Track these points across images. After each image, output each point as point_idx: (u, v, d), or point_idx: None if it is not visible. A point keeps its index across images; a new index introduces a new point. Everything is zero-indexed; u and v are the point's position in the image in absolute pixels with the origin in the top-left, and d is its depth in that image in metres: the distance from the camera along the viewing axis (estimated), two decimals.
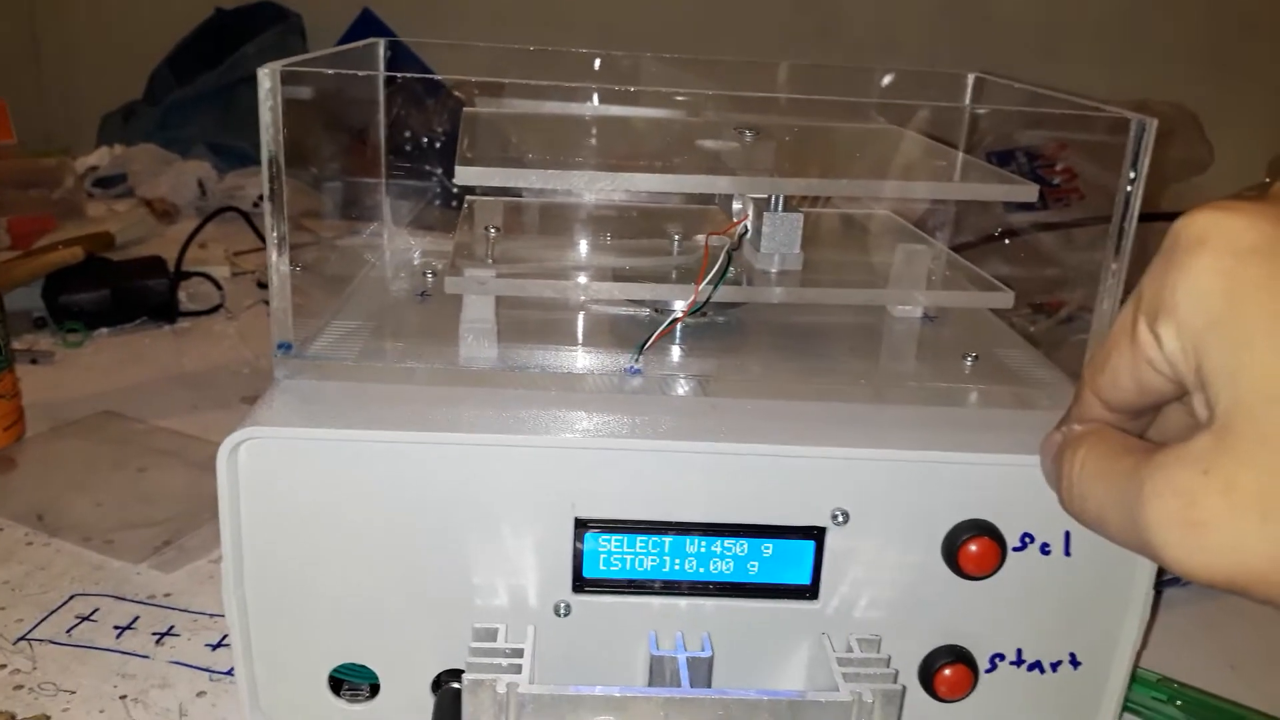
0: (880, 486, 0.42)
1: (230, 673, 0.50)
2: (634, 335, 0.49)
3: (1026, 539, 0.43)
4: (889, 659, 0.42)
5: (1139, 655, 0.45)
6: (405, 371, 0.45)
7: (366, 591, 0.42)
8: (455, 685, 0.42)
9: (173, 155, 1.36)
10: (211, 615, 0.54)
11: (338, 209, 0.62)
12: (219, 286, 0.97)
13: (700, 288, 0.45)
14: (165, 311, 0.91)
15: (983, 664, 0.44)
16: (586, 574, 0.43)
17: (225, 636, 0.52)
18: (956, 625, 0.44)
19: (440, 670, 0.43)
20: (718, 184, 0.53)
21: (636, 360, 0.46)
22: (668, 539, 0.42)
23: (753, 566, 0.43)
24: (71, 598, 0.55)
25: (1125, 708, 0.46)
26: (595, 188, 0.57)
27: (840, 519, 0.42)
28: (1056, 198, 0.93)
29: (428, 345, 0.47)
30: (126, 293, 0.90)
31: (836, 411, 0.45)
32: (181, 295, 0.95)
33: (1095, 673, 0.45)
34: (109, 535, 0.60)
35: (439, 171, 0.63)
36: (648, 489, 0.41)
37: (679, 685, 0.41)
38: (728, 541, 0.42)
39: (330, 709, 0.44)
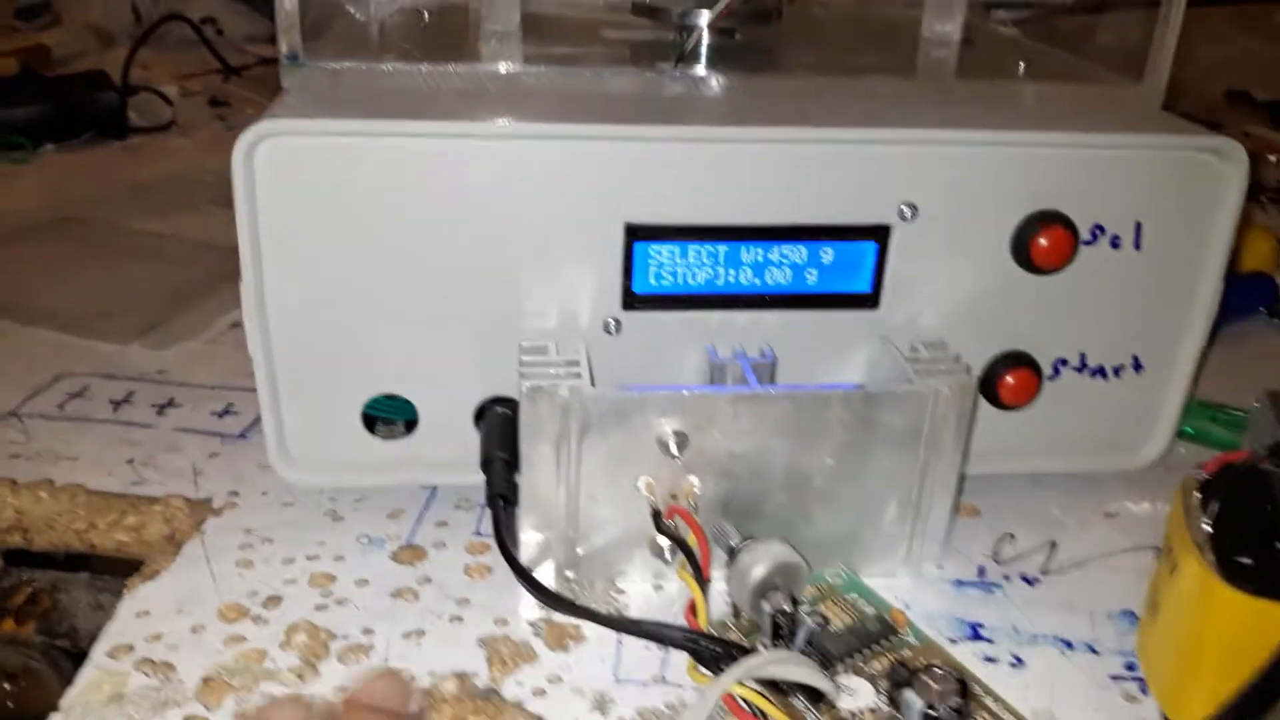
0: (952, 174, 0.39)
1: (243, 436, 0.47)
2: (665, 55, 0.45)
3: (1097, 231, 0.41)
4: (958, 355, 0.40)
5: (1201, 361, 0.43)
6: (425, 75, 0.41)
7: (399, 312, 0.39)
8: (503, 409, 0.40)
9: None
10: (213, 387, 0.51)
11: None
12: (169, 103, 0.91)
13: None
14: (114, 127, 0.85)
15: (1045, 370, 0.43)
16: (636, 289, 0.40)
17: (231, 405, 0.49)
18: (1020, 329, 0.42)
19: (483, 399, 0.41)
20: None
21: (677, 62, 0.43)
22: (722, 247, 0.39)
23: (811, 275, 0.40)
24: (57, 378, 0.51)
25: None
26: None
27: (908, 214, 0.39)
28: None
29: (445, 53, 0.43)
30: (71, 107, 0.84)
31: (897, 98, 0.42)
32: (129, 113, 0.89)
33: (1158, 375, 0.43)
34: (89, 323, 0.56)
35: None
36: (702, 188, 0.38)
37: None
38: (786, 248, 0.40)
39: (365, 449, 0.41)
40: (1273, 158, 0.93)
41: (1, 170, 0.80)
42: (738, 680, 0.30)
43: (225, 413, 0.48)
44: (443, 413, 0.41)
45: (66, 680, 0.33)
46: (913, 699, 0.28)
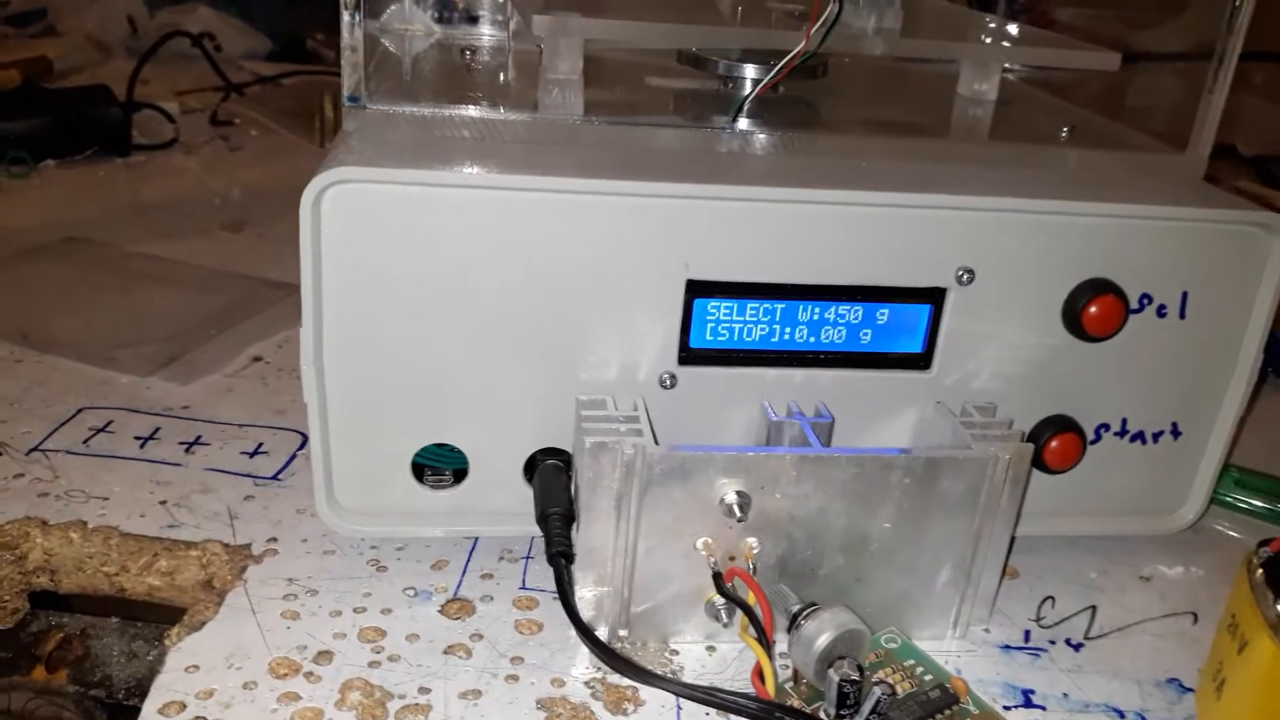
0: (1007, 241, 0.39)
1: (276, 478, 0.46)
2: (715, 107, 0.46)
3: (1145, 300, 0.41)
4: (1011, 421, 0.40)
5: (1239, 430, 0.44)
6: (485, 124, 0.40)
7: (457, 361, 0.38)
8: (554, 462, 0.40)
9: None
10: (240, 425, 0.50)
11: None
12: (171, 120, 0.90)
13: (811, 32, 0.42)
14: (117, 144, 0.84)
15: (1088, 435, 0.43)
16: (693, 344, 0.40)
17: (261, 445, 0.48)
18: (1066, 394, 0.42)
19: (535, 450, 0.40)
20: None
21: (734, 118, 0.43)
22: (779, 305, 0.40)
23: (865, 335, 0.41)
24: (80, 410, 0.50)
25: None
26: None
27: (964, 278, 0.40)
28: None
29: (505, 100, 0.42)
30: (73, 122, 0.82)
31: (952, 164, 0.42)
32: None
33: (1196, 441, 0.44)
34: (107, 353, 0.55)
35: None
36: (761, 247, 0.38)
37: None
38: (842, 308, 0.40)
39: (413, 497, 0.41)
40: None
41: (2, 185, 0.78)
42: None
43: (256, 453, 0.48)
44: (493, 463, 0.40)
45: None
46: None
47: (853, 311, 0.40)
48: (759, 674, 0.34)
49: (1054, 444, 0.42)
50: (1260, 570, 0.32)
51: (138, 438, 0.48)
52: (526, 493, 0.40)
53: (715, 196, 0.37)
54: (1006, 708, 0.37)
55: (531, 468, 0.40)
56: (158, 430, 0.49)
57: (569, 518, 0.38)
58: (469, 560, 0.42)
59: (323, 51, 1.18)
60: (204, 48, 1.03)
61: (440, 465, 0.40)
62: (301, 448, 0.48)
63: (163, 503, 0.44)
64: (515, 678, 0.36)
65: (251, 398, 0.52)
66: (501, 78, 0.45)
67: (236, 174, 0.82)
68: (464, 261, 0.37)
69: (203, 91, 1.01)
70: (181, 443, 0.48)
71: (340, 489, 0.40)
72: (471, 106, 0.41)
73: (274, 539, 0.42)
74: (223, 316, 0.59)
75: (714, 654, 0.38)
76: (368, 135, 0.40)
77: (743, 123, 0.44)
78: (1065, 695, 0.38)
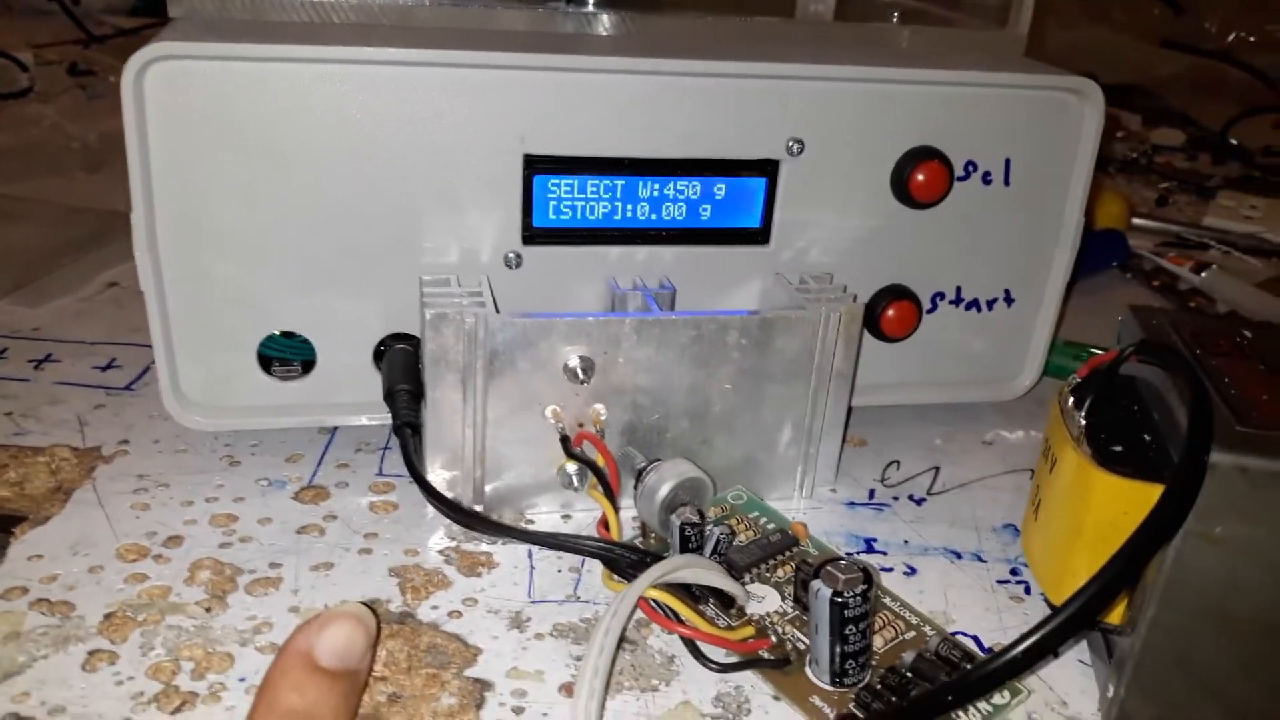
0: (836, 111, 0.41)
1: (129, 388, 0.45)
2: None
3: (970, 167, 0.43)
4: (845, 286, 0.42)
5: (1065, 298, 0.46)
6: (317, 7, 0.40)
7: (297, 245, 0.38)
8: (403, 346, 0.40)
9: None
10: (93, 343, 0.49)
11: None
12: (24, 68, 0.87)
13: None
14: None
15: (924, 304, 0.45)
16: (536, 223, 0.40)
17: (114, 360, 0.48)
18: (901, 264, 0.44)
19: (384, 335, 0.41)
20: None
21: (568, 3, 0.43)
22: (620, 182, 0.40)
23: (705, 211, 0.42)
24: None
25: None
26: None
27: (795, 148, 0.41)
28: None
29: None
30: None
31: (781, 37, 0.43)
32: None
33: (1028, 309, 0.46)
34: None
35: None
36: (599, 121, 0.39)
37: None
38: (681, 183, 0.41)
39: (261, 389, 0.41)
40: (1119, 134, 0.99)
41: None
42: (652, 584, 0.31)
43: (109, 367, 0.47)
44: (341, 352, 0.41)
45: None
46: (820, 587, 0.29)
47: (691, 187, 0.41)
48: (604, 524, 0.35)
49: (891, 312, 0.44)
50: (1069, 395, 0.34)
51: None
52: (379, 382, 0.40)
53: (550, 67, 0.38)
54: (849, 553, 0.38)
55: (381, 355, 0.41)
56: (4, 351, 0.48)
57: (417, 395, 0.38)
58: (325, 452, 0.42)
59: None
60: (61, 1, 1.00)
61: (288, 356, 0.40)
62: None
63: (8, 414, 0.43)
64: (369, 551, 0.36)
65: (106, 319, 0.52)
66: None
67: (97, 121, 0.80)
68: (295, 141, 0.37)
69: (61, 45, 0.98)
70: (30, 360, 0.47)
71: (186, 383, 0.40)
72: None
73: (125, 441, 0.42)
74: (77, 247, 0.58)
75: (569, 522, 0.39)
76: (195, 20, 0.39)
77: (590, 7, 0.45)
78: (906, 542, 0.39)
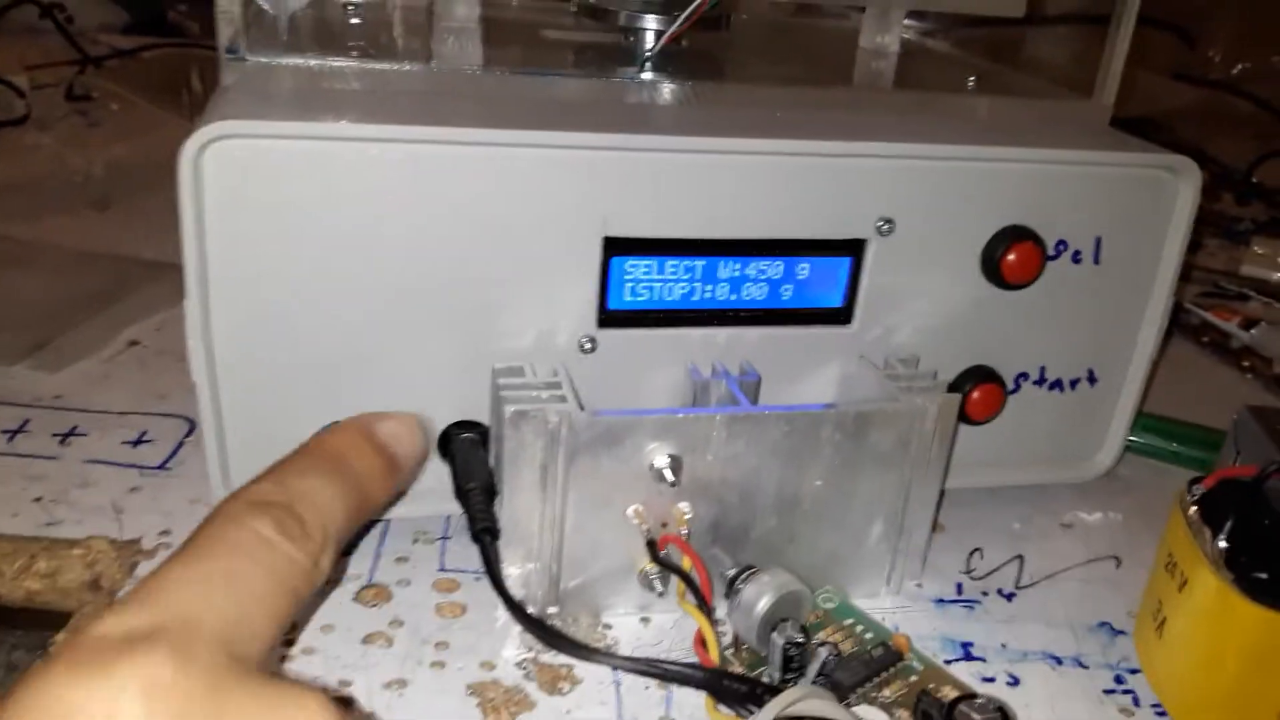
0: (926, 190, 0.39)
1: (164, 466, 0.43)
2: (617, 59, 0.44)
3: (1060, 246, 0.41)
4: (935, 372, 0.40)
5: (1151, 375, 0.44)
6: (377, 75, 0.38)
7: (358, 332, 0.36)
8: (470, 435, 0.38)
9: None
10: (120, 413, 0.46)
11: None
12: (21, 94, 0.83)
13: None
14: None
15: (1008, 385, 0.43)
16: (612, 306, 0.38)
17: (145, 433, 0.45)
18: (986, 344, 0.42)
19: (449, 423, 0.38)
20: None
21: (642, 67, 0.41)
22: (700, 263, 0.38)
23: (787, 291, 0.39)
24: None
25: None
26: None
27: (884, 228, 0.39)
28: None
29: (397, 51, 0.40)
30: None
31: (863, 113, 0.41)
32: None
33: (1111, 387, 0.44)
34: None
35: None
36: (683, 201, 0.37)
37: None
38: (763, 263, 0.39)
39: None
40: None
41: None
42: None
43: (140, 441, 0.44)
44: None
45: None
46: None
47: (773, 267, 0.39)
48: (701, 642, 0.33)
49: (976, 395, 0.42)
50: (1194, 507, 0.32)
51: (4, 431, 0.44)
52: (441, 470, 0.38)
53: (633, 148, 0.36)
54: (947, 661, 0.36)
55: (446, 443, 0.38)
56: (26, 422, 0.45)
57: (490, 492, 0.36)
58: (382, 544, 0.39)
59: (186, 24, 1.11)
60: (55, 18, 0.96)
61: None
62: (189, 434, 0.45)
63: (38, 499, 0.40)
64: (441, 664, 0.34)
65: (131, 383, 0.49)
66: (391, 29, 0.43)
67: (98, 150, 0.77)
68: (363, 223, 0.34)
69: (55, 66, 0.94)
70: (55, 434, 0.44)
71: (237, 474, 0.37)
72: (361, 57, 0.38)
73: (166, 531, 0.39)
74: (93, 300, 0.55)
75: (649, 625, 0.36)
76: (250, 88, 0.36)
77: (648, 74, 0.43)
78: (1004, 645, 0.37)
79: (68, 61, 0.95)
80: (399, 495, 0.37)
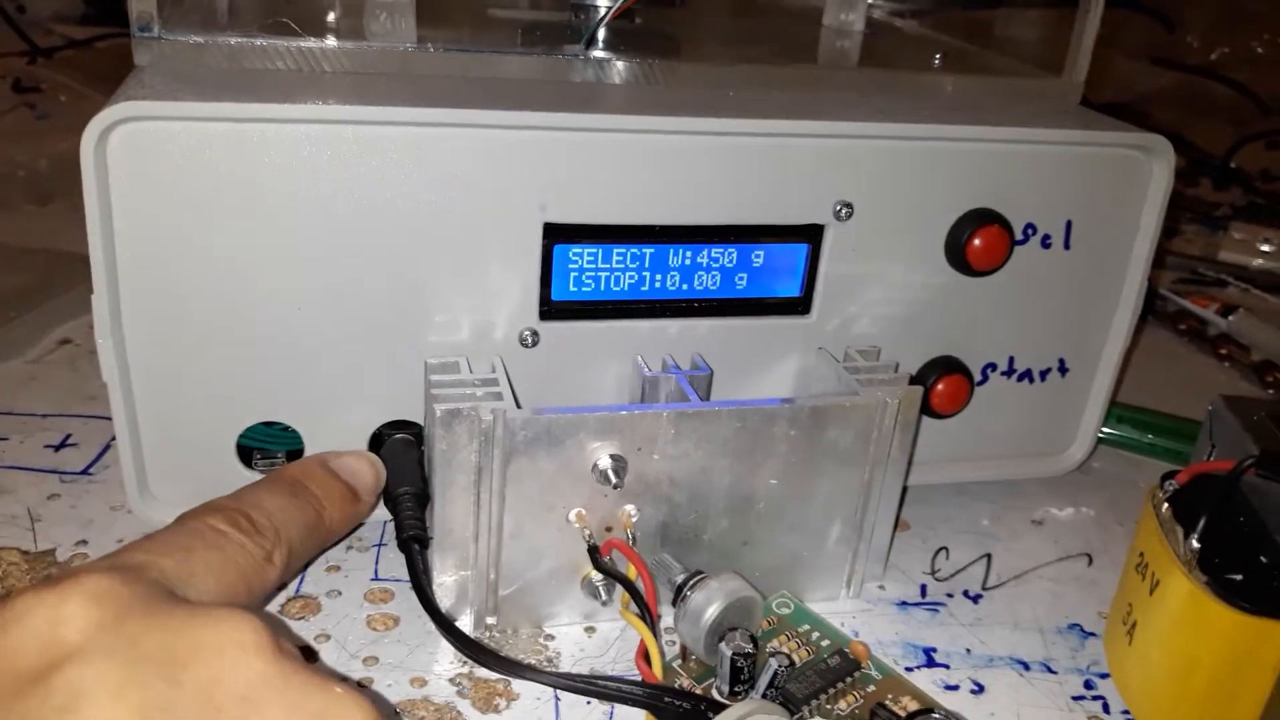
0: (890, 172, 0.37)
1: (87, 472, 0.40)
2: (564, 37, 0.42)
3: (1029, 230, 0.39)
4: (897, 364, 0.38)
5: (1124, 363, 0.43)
6: (304, 54, 0.35)
7: (283, 326, 0.34)
8: (403, 435, 0.35)
9: None
10: (44, 415, 0.44)
11: None
12: None
13: None
14: None
15: (975, 376, 0.41)
16: (555, 297, 0.36)
17: (69, 436, 0.42)
18: (951, 335, 0.40)
19: (380, 424, 0.36)
20: None
21: (588, 44, 0.39)
22: (648, 250, 0.36)
23: (741, 280, 0.37)
24: None
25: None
26: None
27: (843, 213, 0.37)
28: None
29: (326, 28, 0.37)
30: None
31: (824, 92, 0.39)
32: None
33: (1083, 378, 0.43)
34: None
35: None
36: (628, 185, 0.35)
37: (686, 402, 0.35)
38: (715, 250, 0.37)
39: (241, 483, 0.35)
40: None
41: None
42: None
43: (63, 445, 0.42)
44: (331, 441, 0.36)
45: None
46: None
47: (727, 254, 0.37)
48: (644, 655, 0.30)
49: (941, 387, 0.40)
50: (1166, 505, 0.30)
51: None
52: None
53: (574, 127, 0.33)
54: (909, 669, 0.34)
55: (378, 444, 0.36)
56: None
57: (422, 497, 0.34)
58: None
59: None
60: (3, 9, 0.93)
61: (271, 446, 0.36)
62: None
63: None
64: (369, 680, 0.32)
65: (59, 384, 0.46)
66: (321, 5, 0.40)
67: (44, 144, 0.74)
68: (283, 210, 0.32)
69: (4, 57, 0.91)
70: None
71: (155, 478, 0.35)
72: (286, 35, 0.36)
73: (83, 541, 0.36)
74: (25, 296, 0.53)
75: (593, 635, 0.34)
76: (164, 69, 0.34)
77: (598, 51, 0.40)
78: (968, 651, 0.35)
79: (17, 52, 0.92)
80: (358, 526, 0.35)
